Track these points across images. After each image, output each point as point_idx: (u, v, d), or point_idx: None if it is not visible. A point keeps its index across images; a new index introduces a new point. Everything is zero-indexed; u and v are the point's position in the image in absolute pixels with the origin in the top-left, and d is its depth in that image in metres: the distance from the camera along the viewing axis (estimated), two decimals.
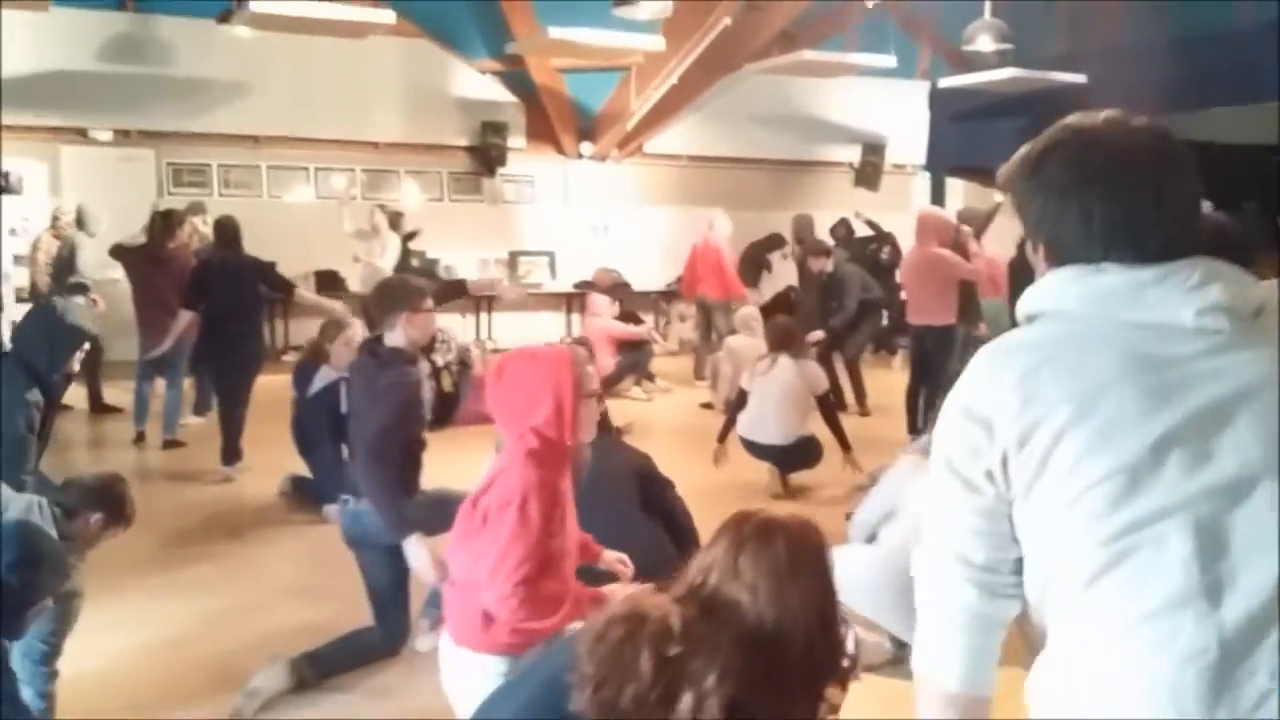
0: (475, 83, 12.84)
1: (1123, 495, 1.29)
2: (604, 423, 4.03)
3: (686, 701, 1.77)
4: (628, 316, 10.46)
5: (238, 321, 6.60)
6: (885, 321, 11.33)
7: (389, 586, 3.72)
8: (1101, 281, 1.38)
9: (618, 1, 8.77)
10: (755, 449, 6.49)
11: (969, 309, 8.26)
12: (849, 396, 9.19)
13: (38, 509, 3.10)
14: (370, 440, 3.57)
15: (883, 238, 12.29)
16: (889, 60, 10.88)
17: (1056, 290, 1.42)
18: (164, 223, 7.33)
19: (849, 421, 8.77)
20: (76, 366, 4.24)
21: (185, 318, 6.76)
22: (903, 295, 8.88)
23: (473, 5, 12.33)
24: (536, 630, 2.67)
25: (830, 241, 10.97)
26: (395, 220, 10.70)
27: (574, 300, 13.50)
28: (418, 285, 3.92)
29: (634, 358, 9.97)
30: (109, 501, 3.26)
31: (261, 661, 3.71)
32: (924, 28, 13.75)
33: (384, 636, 3.77)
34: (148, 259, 7.22)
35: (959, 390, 1.44)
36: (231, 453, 6.71)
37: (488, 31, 12.53)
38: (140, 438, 7.55)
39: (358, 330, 5.59)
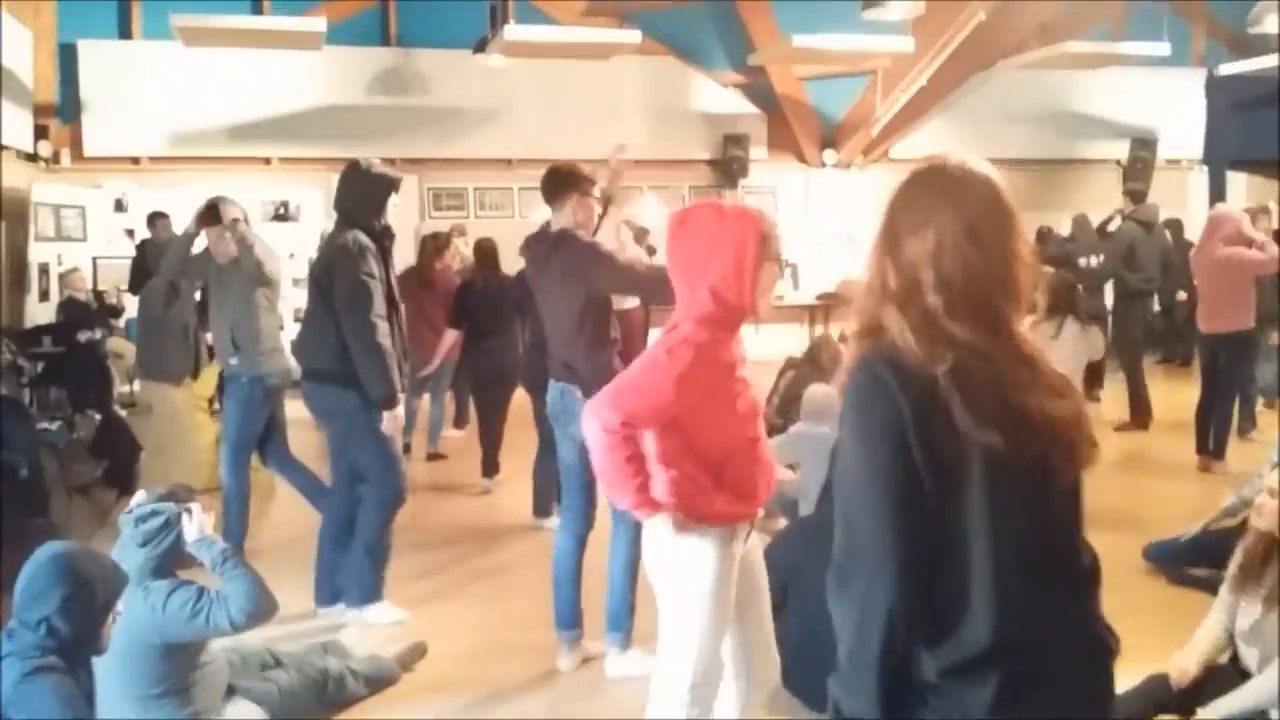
0: (717, 96, 12.83)
1: None
2: None
3: None
4: None
5: (495, 339, 6.77)
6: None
7: (577, 464, 3.92)
8: None
9: (867, 4, 8.50)
10: None
11: (1268, 314, 7.51)
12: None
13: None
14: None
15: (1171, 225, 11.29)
16: (1162, 48, 10.08)
17: None
18: (433, 245, 7.61)
19: (1124, 437, 8.17)
20: (390, 214, 4.44)
21: (450, 336, 7.01)
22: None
23: (716, 19, 12.35)
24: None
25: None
26: (640, 236, 10.79)
27: (817, 312, 13.25)
28: (587, 173, 4.05)
29: None
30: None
31: (532, 670, 3.86)
32: (1198, 11, 12.72)
33: (567, 510, 4.07)
34: (418, 282, 7.52)
35: None
36: (490, 465, 6.89)
37: (730, 45, 12.51)
38: (406, 449, 7.86)
39: None
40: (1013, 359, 1.63)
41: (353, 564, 4.48)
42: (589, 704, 3.82)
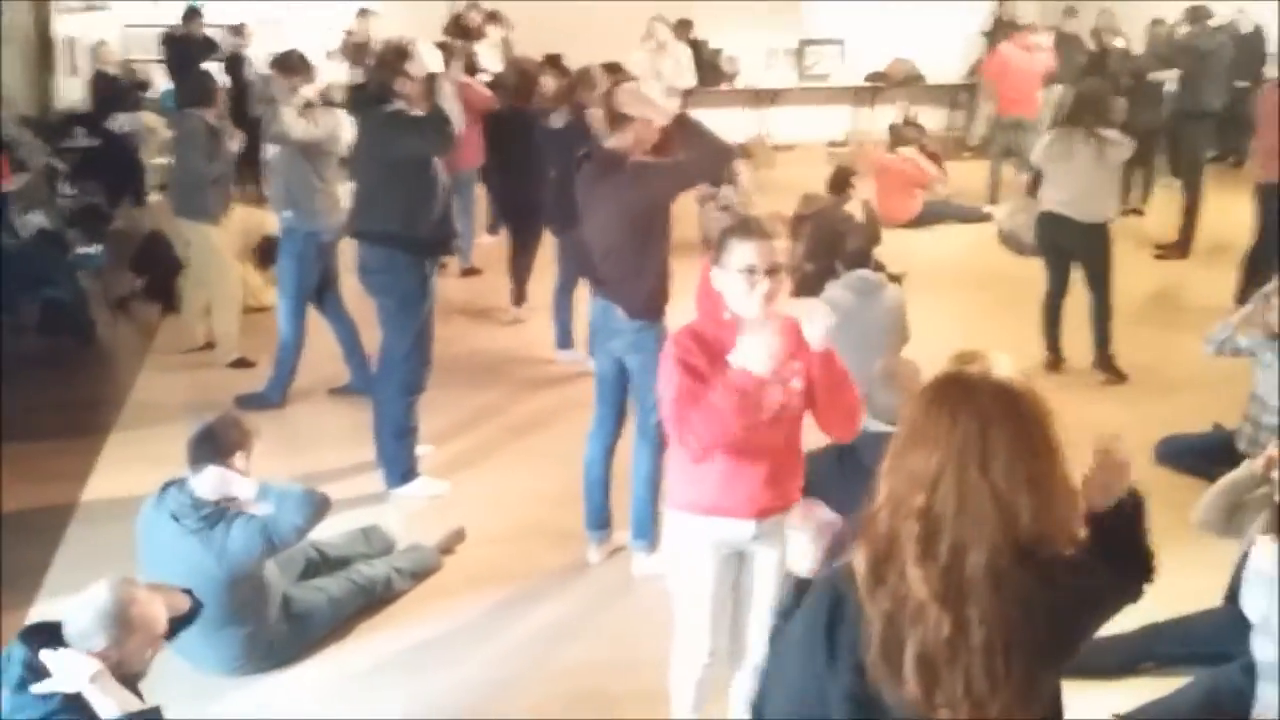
0: None
1: None
2: None
3: None
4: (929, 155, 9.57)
5: (522, 176, 6.53)
6: None
7: (612, 378, 4.03)
8: None
9: None
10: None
11: None
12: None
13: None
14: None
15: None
16: None
17: None
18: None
19: (1163, 267, 8.02)
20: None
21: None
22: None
23: None
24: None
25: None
26: (683, 29, 10.14)
27: (863, 94, 12.75)
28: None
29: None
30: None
31: (564, 558, 4.20)
32: None
33: (598, 422, 4.12)
34: None
35: None
36: (520, 295, 6.93)
37: None
38: (442, 266, 7.81)
39: None
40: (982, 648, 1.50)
41: (384, 447, 4.63)
42: (620, 599, 4.01)
